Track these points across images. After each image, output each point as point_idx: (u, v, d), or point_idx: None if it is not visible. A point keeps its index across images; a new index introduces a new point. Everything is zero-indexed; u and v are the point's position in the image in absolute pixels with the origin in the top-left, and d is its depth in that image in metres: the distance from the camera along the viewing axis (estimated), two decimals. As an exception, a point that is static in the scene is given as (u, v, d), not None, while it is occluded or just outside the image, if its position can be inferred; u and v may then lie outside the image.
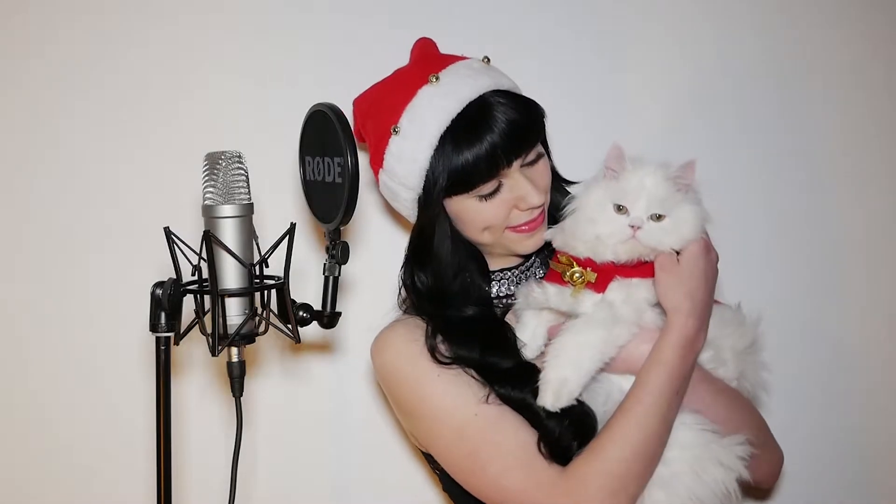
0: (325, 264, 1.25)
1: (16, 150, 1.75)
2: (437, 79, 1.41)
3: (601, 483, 1.28)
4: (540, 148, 1.44)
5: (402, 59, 1.56)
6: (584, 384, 1.31)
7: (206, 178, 1.14)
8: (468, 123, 1.37)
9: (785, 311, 2.04)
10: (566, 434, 1.33)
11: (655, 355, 1.31)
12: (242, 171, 1.15)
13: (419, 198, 1.43)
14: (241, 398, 1.15)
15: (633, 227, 1.31)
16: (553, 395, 1.29)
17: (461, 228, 1.46)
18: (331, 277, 1.25)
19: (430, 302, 1.46)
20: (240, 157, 1.15)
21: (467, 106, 1.38)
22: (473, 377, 1.39)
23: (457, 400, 1.38)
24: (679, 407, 1.33)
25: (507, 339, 1.42)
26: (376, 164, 1.47)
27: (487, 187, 1.39)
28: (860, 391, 2.08)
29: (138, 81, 1.77)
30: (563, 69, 1.90)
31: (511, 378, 1.37)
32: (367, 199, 1.80)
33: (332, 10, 1.83)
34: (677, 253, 1.34)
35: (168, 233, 1.13)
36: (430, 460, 1.51)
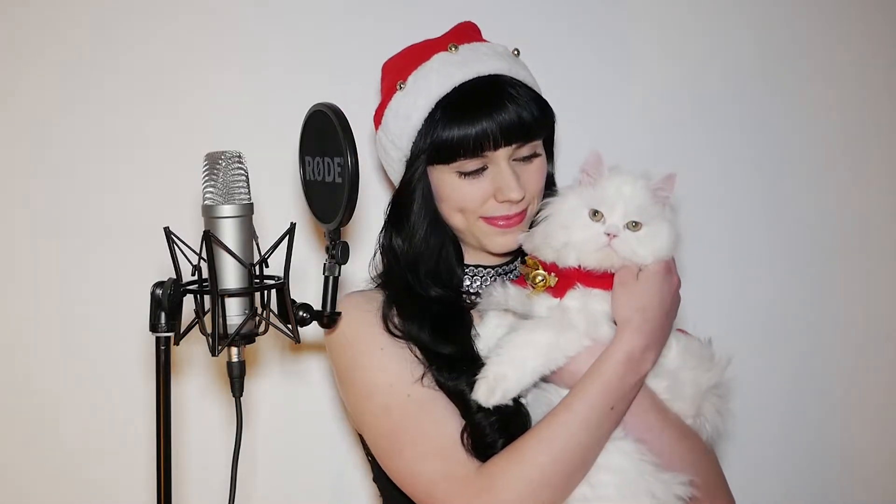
0: (325, 264, 1.25)
1: (16, 151, 1.75)
2: (455, 48, 1.42)
3: (513, 485, 1.24)
4: (538, 148, 1.43)
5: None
6: (524, 386, 1.28)
7: (206, 178, 1.14)
8: (468, 96, 1.38)
9: (785, 311, 2.04)
10: (492, 429, 1.30)
11: (595, 366, 1.28)
12: (242, 171, 1.15)
13: (406, 159, 1.43)
14: (241, 398, 1.15)
15: (608, 234, 1.28)
16: (487, 390, 1.27)
17: (439, 206, 1.44)
18: (331, 277, 1.25)
19: (404, 267, 1.44)
20: (240, 157, 1.15)
21: (474, 80, 1.38)
22: (416, 357, 1.36)
23: (392, 377, 1.35)
24: (615, 424, 1.29)
25: (461, 328, 1.40)
26: (377, 121, 1.47)
27: (469, 165, 1.38)
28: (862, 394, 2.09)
29: (138, 81, 1.77)
30: (560, 74, 1.90)
31: (452, 365, 1.35)
32: (367, 199, 1.80)
33: (333, 10, 1.83)
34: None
35: (168, 233, 1.13)
36: (363, 444, 1.47)
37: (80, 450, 1.79)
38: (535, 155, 1.42)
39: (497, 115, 1.35)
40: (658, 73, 1.97)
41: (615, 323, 1.30)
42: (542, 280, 1.33)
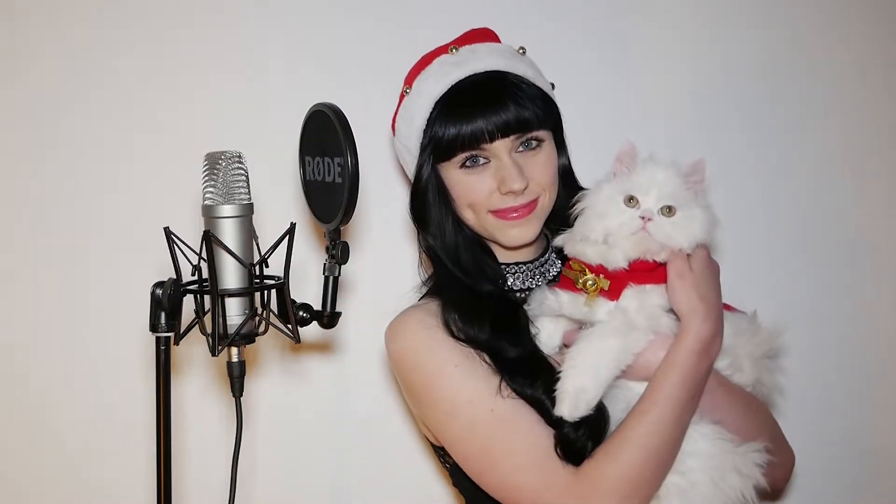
0: (325, 264, 1.25)
1: (16, 151, 1.75)
2: (456, 50, 1.45)
3: (613, 486, 1.27)
4: (543, 138, 1.43)
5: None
6: (602, 393, 1.30)
7: (206, 178, 1.14)
8: (464, 93, 1.40)
9: (794, 312, 2.04)
10: (582, 437, 1.32)
11: (670, 359, 1.30)
12: (242, 171, 1.15)
13: (417, 160, 1.46)
14: (241, 398, 1.15)
15: (643, 218, 1.30)
16: (571, 406, 1.28)
17: (454, 206, 1.46)
18: (331, 277, 1.25)
19: (449, 262, 1.46)
20: (240, 157, 1.15)
21: (471, 77, 1.41)
22: (487, 363, 1.37)
23: (471, 393, 1.35)
24: (693, 412, 1.32)
25: (519, 323, 1.41)
26: (392, 128, 1.52)
27: (469, 158, 1.40)
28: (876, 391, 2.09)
29: (138, 82, 1.77)
30: (565, 71, 1.90)
31: (522, 369, 1.36)
32: (367, 199, 1.80)
33: (333, 11, 1.83)
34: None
35: (168, 233, 1.13)
36: (439, 453, 1.50)
37: (80, 450, 1.79)
38: (538, 146, 1.42)
39: (492, 109, 1.38)
40: (658, 73, 1.97)
41: (673, 313, 1.33)
42: (594, 284, 1.34)
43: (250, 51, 1.80)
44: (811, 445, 2.01)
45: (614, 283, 1.33)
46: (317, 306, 1.25)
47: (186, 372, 1.80)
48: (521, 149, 1.41)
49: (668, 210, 1.31)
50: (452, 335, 1.39)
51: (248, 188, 1.15)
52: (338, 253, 1.24)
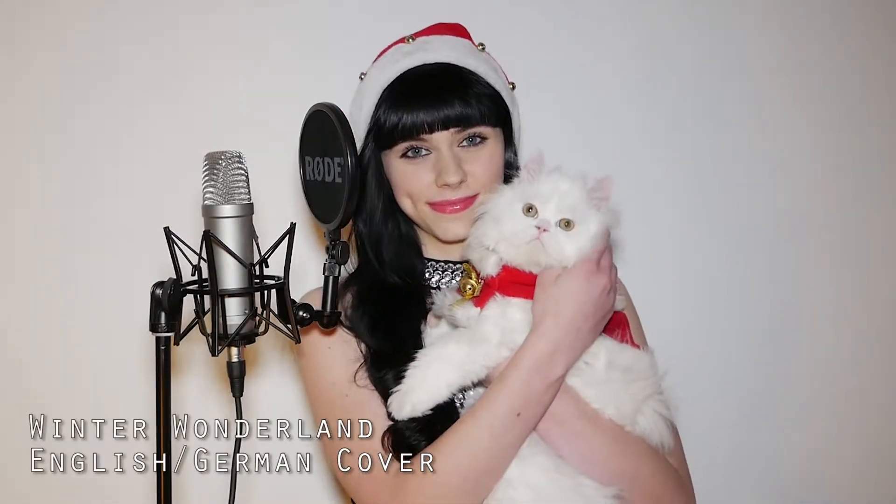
0: (325, 264, 1.25)
1: (16, 151, 1.75)
2: (412, 40, 1.45)
3: (423, 489, 1.26)
4: (486, 135, 1.41)
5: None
6: (439, 398, 1.27)
7: (206, 178, 1.14)
8: (410, 83, 1.40)
9: (790, 311, 2.04)
10: (413, 432, 1.31)
11: (503, 372, 1.27)
12: (242, 171, 1.15)
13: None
14: (241, 398, 1.15)
15: (539, 227, 1.26)
16: (397, 405, 1.28)
17: (393, 194, 1.46)
18: (331, 277, 1.25)
19: (368, 250, 1.47)
20: (240, 157, 1.15)
21: (420, 68, 1.40)
22: (362, 351, 1.38)
23: (335, 375, 1.38)
24: (523, 431, 1.26)
25: (405, 322, 1.39)
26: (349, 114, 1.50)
27: (410, 148, 1.39)
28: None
29: (138, 82, 1.77)
30: (546, 72, 1.90)
31: (380, 362, 1.35)
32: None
33: (333, 11, 1.83)
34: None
35: (168, 233, 1.13)
36: None
37: (80, 449, 1.78)
38: (482, 142, 1.41)
39: (434, 101, 1.37)
40: (652, 72, 1.97)
41: None
42: (471, 289, 1.32)
43: (250, 51, 1.80)
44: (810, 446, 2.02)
45: (485, 291, 1.31)
46: (317, 306, 1.25)
47: (186, 372, 1.80)
48: (464, 143, 1.40)
49: (567, 224, 1.26)
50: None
51: (248, 188, 1.15)
52: (338, 253, 1.24)
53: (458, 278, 1.47)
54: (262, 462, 1.83)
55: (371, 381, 1.35)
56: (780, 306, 2.05)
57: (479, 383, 1.31)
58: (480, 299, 1.31)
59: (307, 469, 1.86)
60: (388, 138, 1.40)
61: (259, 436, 1.81)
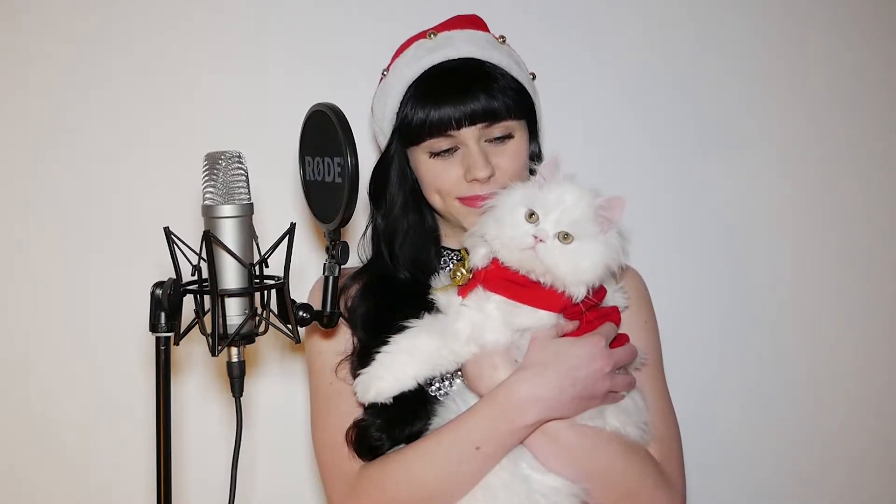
0: (325, 264, 1.25)
1: (16, 151, 1.75)
2: (434, 35, 1.45)
3: (373, 495, 1.29)
4: (514, 129, 1.42)
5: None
6: (405, 387, 1.26)
7: (206, 178, 1.14)
8: (435, 79, 1.40)
9: (787, 311, 2.04)
10: (376, 429, 1.32)
11: (476, 404, 1.27)
12: (242, 171, 1.15)
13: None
14: (241, 398, 1.15)
15: (535, 237, 1.24)
16: (362, 388, 1.28)
17: (422, 188, 1.46)
18: (331, 277, 1.25)
19: (381, 243, 1.48)
20: (240, 157, 1.15)
21: (444, 63, 1.41)
22: (354, 343, 1.40)
23: (325, 362, 1.42)
24: (480, 465, 1.25)
25: (399, 316, 1.37)
26: (372, 110, 1.52)
27: (438, 145, 1.40)
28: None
29: (138, 82, 1.77)
30: (552, 73, 1.90)
31: (364, 356, 1.35)
32: (367, 200, 1.80)
33: (333, 11, 1.83)
34: (588, 307, 1.26)
35: (168, 233, 1.13)
36: None
37: (80, 449, 1.79)
38: (508, 136, 1.42)
39: (461, 96, 1.37)
40: (646, 70, 1.97)
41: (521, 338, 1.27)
42: (459, 276, 1.31)
43: (250, 51, 1.80)
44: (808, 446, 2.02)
45: (471, 281, 1.30)
46: (317, 306, 1.25)
47: (186, 372, 1.80)
48: (491, 138, 1.40)
49: (565, 237, 1.24)
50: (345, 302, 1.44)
51: (248, 188, 1.15)
52: (338, 253, 1.24)
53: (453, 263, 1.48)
54: (262, 462, 1.83)
55: (352, 376, 1.35)
56: (779, 306, 2.05)
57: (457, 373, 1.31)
58: (465, 289, 1.30)
59: (307, 469, 1.87)
60: (415, 134, 1.40)
61: (259, 436, 1.81)
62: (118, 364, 1.77)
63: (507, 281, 1.27)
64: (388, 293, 1.44)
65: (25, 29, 1.74)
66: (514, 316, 1.27)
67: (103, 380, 1.78)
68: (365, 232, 1.55)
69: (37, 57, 1.74)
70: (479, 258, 1.29)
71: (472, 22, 1.52)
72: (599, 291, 1.29)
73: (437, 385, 1.37)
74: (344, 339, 1.43)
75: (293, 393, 1.85)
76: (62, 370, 1.77)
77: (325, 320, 1.25)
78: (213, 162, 1.14)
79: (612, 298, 1.35)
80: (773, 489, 2.05)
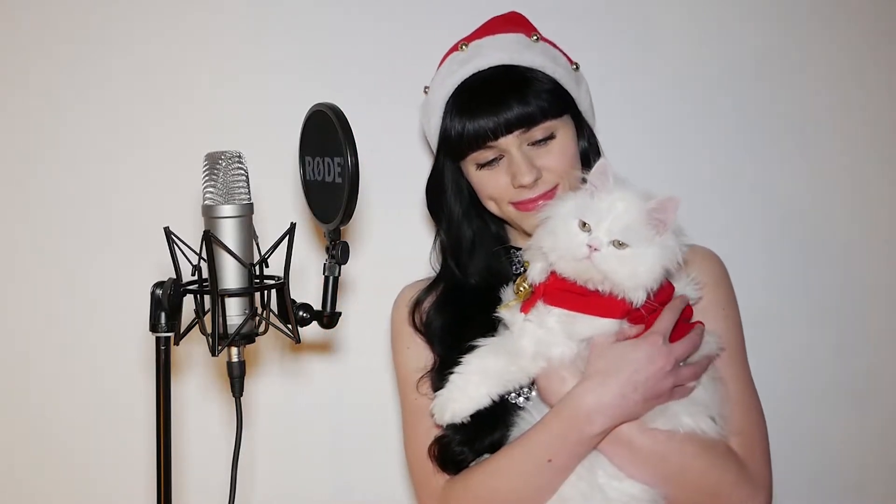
0: (325, 264, 1.25)
1: (16, 151, 1.75)
2: (465, 47, 1.46)
3: None
4: (555, 129, 1.41)
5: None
6: (481, 405, 1.27)
7: (206, 178, 1.14)
8: (468, 93, 1.41)
9: (785, 313, 2.04)
10: (457, 444, 1.34)
11: (545, 417, 1.28)
12: (242, 171, 1.15)
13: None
14: (241, 398, 1.15)
15: (590, 246, 1.23)
16: (439, 410, 1.29)
17: (477, 197, 1.48)
18: (331, 277, 1.25)
19: (447, 253, 1.51)
20: (240, 157, 1.15)
21: (475, 76, 1.41)
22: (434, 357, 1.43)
23: (408, 375, 1.46)
24: (555, 476, 1.27)
25: (477, 327, 1.37)
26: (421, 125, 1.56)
27: (482, 156, 1.41)
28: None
29: (138, 82, 1.77)
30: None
31: (443, 370, 1.37)
32: (367, 199, 1.80)
33: (333, 11, 1.83)
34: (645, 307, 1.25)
35: (168, 233, 1.13)
36: None
37: (81, 449, 1.79)
38: (550, 137, 1.41)
39: (494, 107, 1.37)
40: (654, 72, 1.97)
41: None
42: (522, 291, 1.32)
43: (250, 51, 1.80)
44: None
45: (533, 296, 1.30)
46: (317, 306, 1.25)
47: (186, 372, 1.80)
48: (533, 141, 1.40)
49: (620, 244, 1.23)
50: (413, 324, 1.48)
51: (248, 188, 1.15)
52: (338, 253, 1.24)
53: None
54: (262, 462, 1.83)
55: (433, 390, 1.38)
56: (780, 305, 2.05)
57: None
58: (527, 304, 1.30)
59: (307, 469, 1.87)
60: (457, 149, 1.42)
61: (259, 436, 1.81)
62: (118, 364, 1.77)
63: (566, 292, 1.27)
64: (461, 304, 1.46)
65: (25, 29, 1.74)
66: (574, 327, 1.27)
67: (103, 380, 1.78)
68: (434, 244, 1.56)
69: (37, 57, 1.74)
70: (536, 272, 1.30)
71: (507, 22, 1.51)
72: (662, 292, 1.28)
73: (516, 392, 1.36)
74: (416, 354, 1.46)
75: (293, 393, 1.85)
76: (62, 370, 1.77)
77: (325, 321, 1.25)
78: (213, 162, 1.14)
79: (683, 292, 1.34)
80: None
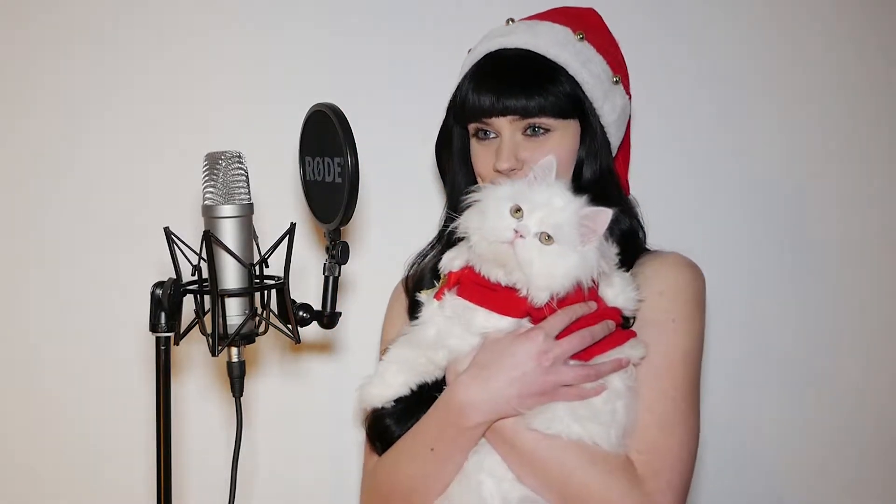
0: (325, 264, 1.25)
1: (16, 151, 1.75)
2: (511, 21, 1.48)
3: (369, 490, 1.40)
4: (550, 127, 1.39)
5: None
6: (399, 394, 1.29)
7: (206, 178, 1.14)
8: (485, 66, 1.42)
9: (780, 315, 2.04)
10: (391, 420, 1.35)
11: (433, 404, 1.29)
12: (242, 171, 1.15)
13: None
14: (241, 398, 1.15)
15: (516, 231, 1.21)
16: (360, 396, 1.31)
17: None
18: (331, 277, 1.25)
19: (447, 214, 1.49)
20: (240, 157, 1.15)
21: (500, 52, 1.42)
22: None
23: (384, 343, 1.48)
24: (440, 465, 1.27)
25: None
26: None
27: (479, 129, 1.42)
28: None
29: (138, 82, 1.77)
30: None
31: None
32: (367, 199, 1.80)
33: (333, 11, 1.83)
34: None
35: (168, 233, 1.13)
36: None
37: (81, 449, 1.79)
38: (544, 133, 1.39)
39: (500, 87, 1.38)
40: (658, 73, 1.97)
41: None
42: (441, 280, 1.33)
43: (250, 51, 1.80)
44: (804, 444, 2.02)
45: (447, 285, 1.30)
46: (317, 306, 1.25)
47: (186, 372, 1.80)
48: (528, 132, 1.39)
49: (547, 238, 1.20)
50: (406, 291, 1.52)
51: (248, 188, 1.15)
52: (338, 253, 1.24)
53: None
54: (262, 462, 1.83)
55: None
56: (779, 305, 2.05)
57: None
58: (440, 291, 1.31)
59: (307, 469, 1.87)
60: (459, 114, 1.45)
61: (259, 436, 1.81)
62: (118, 364, 1.77)
63: (475, 285, 1.26)
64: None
65: (26, 29, 1.74)
66: (473, 320, 1.26)
67: (103, 380, 1.78)
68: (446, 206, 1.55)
69: (37, 57, 1.74)
70: (448, 260, 1.32)
71: (566, 15, 1.49)
72: (567, 301, 1.24)
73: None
74: (393, 321, 1.52)
75: (293, 393, 1.85)
76: (62, 370, 1.77)
77: (325, 321, 1.25)
78: (213, 162, 1.14)
79: (614, 301, 1.31)
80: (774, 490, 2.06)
